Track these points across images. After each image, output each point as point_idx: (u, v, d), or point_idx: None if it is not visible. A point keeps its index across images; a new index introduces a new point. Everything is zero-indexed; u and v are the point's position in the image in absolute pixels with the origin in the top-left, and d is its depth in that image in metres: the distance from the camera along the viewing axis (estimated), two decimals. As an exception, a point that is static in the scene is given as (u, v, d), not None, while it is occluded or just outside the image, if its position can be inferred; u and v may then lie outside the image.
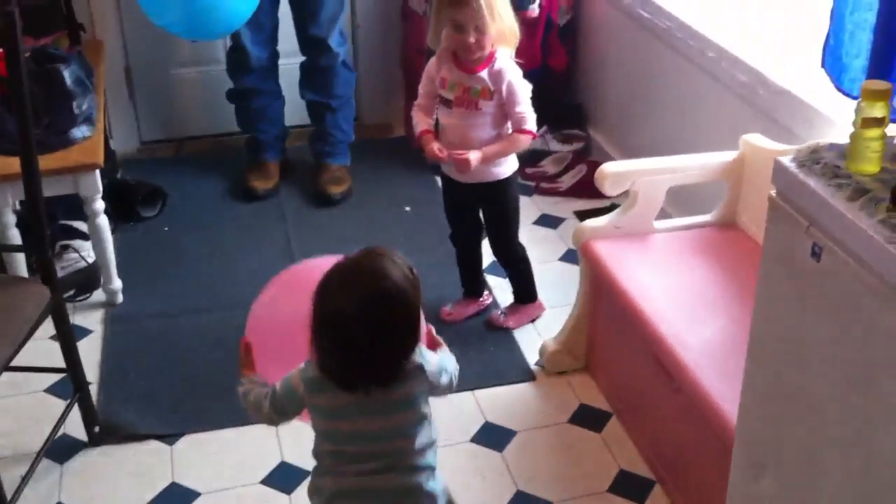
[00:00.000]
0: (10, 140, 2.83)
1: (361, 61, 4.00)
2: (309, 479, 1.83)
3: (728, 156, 2.52)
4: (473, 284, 2.96)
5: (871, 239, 1.29)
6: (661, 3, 3.11)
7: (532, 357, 2.77)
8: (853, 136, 1.41)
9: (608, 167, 2.49)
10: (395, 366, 1.66)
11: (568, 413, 2.58)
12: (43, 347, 2.71)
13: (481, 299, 2.97)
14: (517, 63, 2.61)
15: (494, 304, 2.98)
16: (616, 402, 2.57)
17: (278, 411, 1.76)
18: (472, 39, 2.49)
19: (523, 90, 2.58)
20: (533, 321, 2.92)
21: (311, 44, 3.46)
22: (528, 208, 3.54)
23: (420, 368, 1.69)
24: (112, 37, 3.73)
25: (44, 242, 2.24)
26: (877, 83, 1.39)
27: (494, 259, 2.94)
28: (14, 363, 2.47)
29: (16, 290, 2.22)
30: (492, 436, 2.51)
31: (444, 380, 1.76)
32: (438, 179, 3.63)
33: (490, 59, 2.55)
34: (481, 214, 2.82)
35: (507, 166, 2.69)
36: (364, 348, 1.61)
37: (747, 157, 2.50)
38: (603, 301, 2.57)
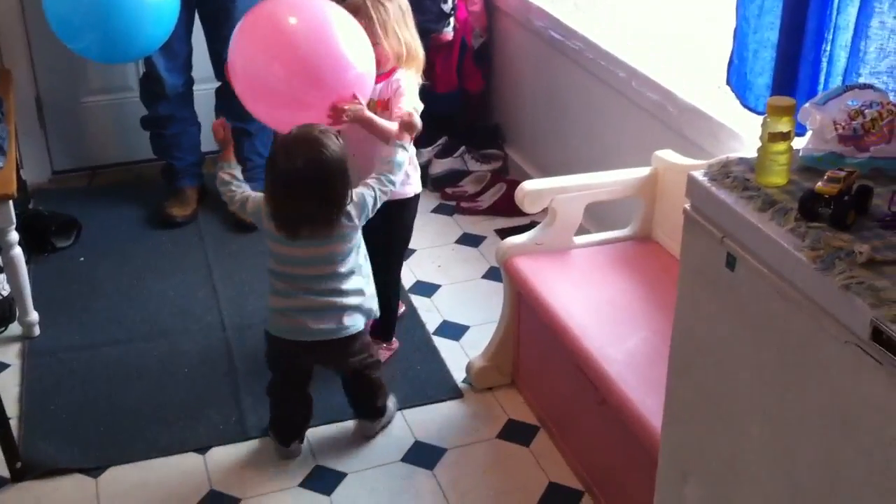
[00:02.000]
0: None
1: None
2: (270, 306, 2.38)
3: (641, 172, 2.59)
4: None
5: (782, 247, 1.35)
6: (573, 25, 3.19)
7: (459, 374, 2.80)
8: (760, 151, 1.48)
9: (527, 185, 2.54)
10: (332, 219, 2.21)
11: (496, 428, 2.62)
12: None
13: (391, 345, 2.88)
14: (424, 84, 2.62)
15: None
16: (543, 416, 2.61)
17: (250, 216, 2.39)
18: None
19: (409, 99, 2.54)
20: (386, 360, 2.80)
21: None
22: (450, 227, 3.59)
23: (347, 215, 2.24)
24: (21, 66, 3.67)
25: (-41, 277, 2.19)
26: (782, 100, 1.45)
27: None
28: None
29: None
30: (422, 454, 2.53)
31: (369, 202, 2.32)
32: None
33: (389, 74, 2.56)
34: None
35: (408, 188, 2.63)
36: (305, 204, 2.17)
37: (660, 173, 2.58)
38: (527, 317, 2.62)
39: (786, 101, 1.45)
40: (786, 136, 1.45)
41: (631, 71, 2.88)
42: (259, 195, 2.34)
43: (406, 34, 2.57)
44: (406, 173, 2.53)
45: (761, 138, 1.47)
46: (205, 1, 3.29)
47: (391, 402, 2.62)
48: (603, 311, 2.39)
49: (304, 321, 2.31)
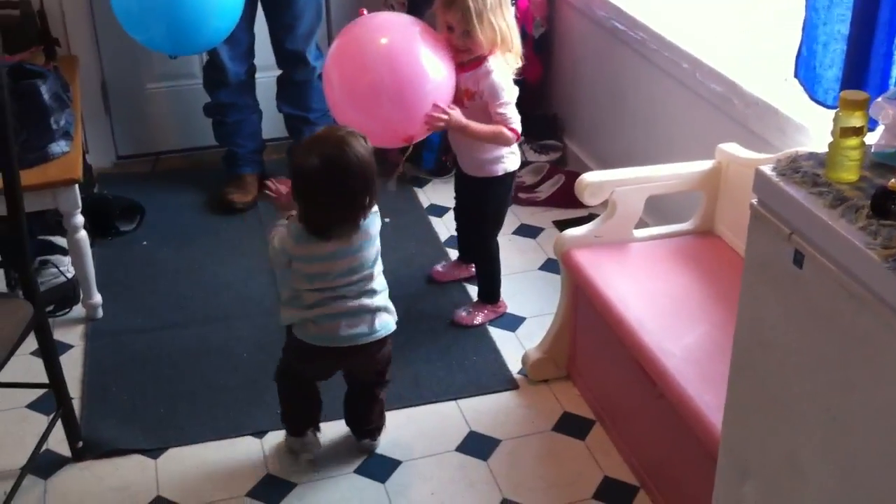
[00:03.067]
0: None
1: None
2: (288, 317, 2.34)
3: (704, 165, 2.56)
4: (465, 252, 3.14)
5: (852, 245, 1.33)
6: (635, 15, 3.16)
7: (514, 366, 2.79)
8: (832, 146, 1.45)
9: (587, 177, 2.52)
10: (357, 218, 2.16)
11: (552, 421, 2.60)
12: (24, 363, 2.71)
13: (471, 266, 3.12)
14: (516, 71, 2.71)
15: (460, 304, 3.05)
16: (599, 409, 2.60)
17: (278, 252, 2.25)
18: (459, 41, 2.59)
19: (506, 92, 2.67)
20: (495, 319, 2.99)
21: (288, 58, 3.47)
22: (508, 218, 3.54)
23: (375, 214, 2.22)
24: (87, 52, 3.73)
25: (25, 258, 2.23)
26: (854, 93, 1.42)
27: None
28: (-4, 380, 2.49)
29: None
30: (477, 445, 2.53)
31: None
32: (417, 192, 3.69)
33: (480, 62, 2.64)
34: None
35: (498, 166, 2.78)
36: (331, 201, 2.12)
37: (723, 167, 2.54)
38: (584, 309, 2.60)
39: (859, 94, 1.42)
40: (858, 132, 1.42)
41: (695, 62, 2.84)
42: (280, 229, 2.28)
43: (502, 22, 2.64)
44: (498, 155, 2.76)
45: (833, 133, 1.44)
46: (269, -14, 3.31)
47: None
48: (662, 306, 2.36)
49: (337, 327, 2.26)
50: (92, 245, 3.39)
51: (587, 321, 2.59)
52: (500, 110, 2.66)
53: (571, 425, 2.59)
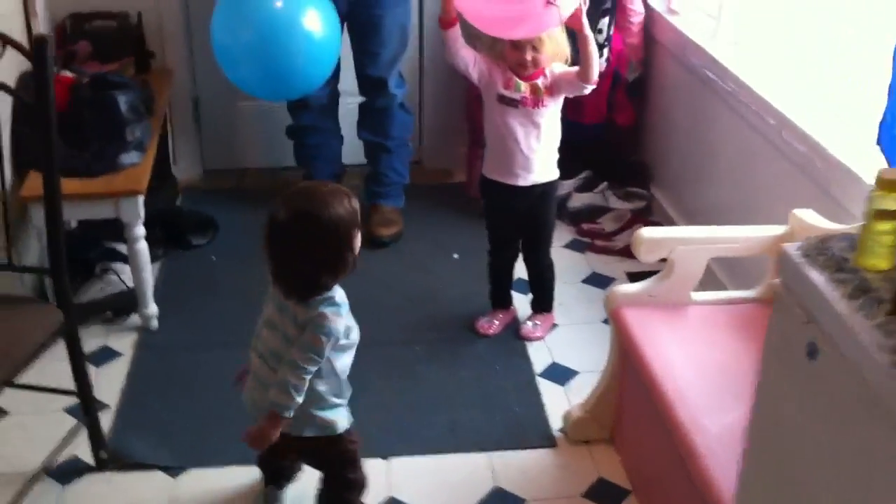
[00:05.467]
0: (60, 162, 2.87)
1: (427, 105, 3.97)
2: None
3: (775, 230, 2.37)
4: (507, 296, 3.07)
5: (862, 344, 1.17)
6: (727, 65, 2.99)
7: (557, 422, 2.65)
8: (863, 229, 1.29)
9: (645, 232, 2.37)
10: (310, 280, 1.96)
11: (584, 486, 2.45)
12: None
13: (512, 308, 3.07)
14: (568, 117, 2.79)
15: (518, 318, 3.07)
16: (636, 479, 2.43)
17: None
18: (528, 57, 2.63)
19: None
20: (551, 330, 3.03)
21: (370, 84, 3.43)
22: (580, 265, 3.44)
23: (324, 312, 1.96)
24: (182, 66, 3.78)
25: (60, 265, 2.23)
26: (893, 171, 1.26)
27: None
28: (34, 382, 2.50)
29: (28, 310, 2.22)
30: (499, 503, 2.40)
31: (315, 346, 1.98)
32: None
33: (542, 71, 2.68)
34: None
35: (553, 172, 2.82)
36: (291, 257, 1.95)
37: (796, 234, 2.35)
38: (631, 371, 2.44)
39: (897, 173, 1.25)
40: (894, 215, 1.25)
41: (781, 119, 2.66)
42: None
43: (561, 35, 2.66)
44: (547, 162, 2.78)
45: (866, 214, 1.28)
46: (354, 13, 3.28)
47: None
48: (708, 378, 2.19)
49: (250, 388, 2.13)
50: (162, 256, 3.44)
51: (633, 384, 2.43)
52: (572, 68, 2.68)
53: (604, 493, 2.43)
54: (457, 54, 2.68)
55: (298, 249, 1.96)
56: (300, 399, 2.01)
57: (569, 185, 3.64)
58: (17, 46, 2.08)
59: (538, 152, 2.75)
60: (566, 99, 2.76)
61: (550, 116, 2.73)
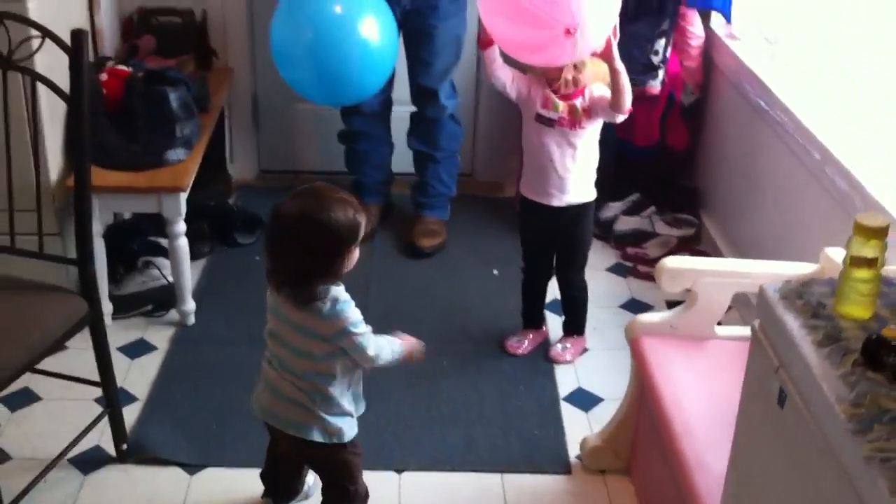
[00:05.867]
0: (110, 154, 2.96)
1: (481, 117, 3.96)
2: None
3: (804, 268, 2.30)
4: (539, 316, 3.05)
5: (824, 394, 1.12)
6: (778, 94, 2.91)
7: (576, 448, 2.62)
8: (841, 276, 1.24)
9: (667, 262, 2.32)
10: (298, 280, 1.97)
11: (595, 515, 2.42)
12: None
13: (544, 329, 3.05)
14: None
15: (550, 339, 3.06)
16: (648, 512, 2.39)
17: None
18: (569, 76, 2.62)
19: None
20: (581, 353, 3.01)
21: (422, 94, 3.44)
22: (620, 289, 3.40)
23: (338, 315, 1.99)
24: (243, 65, 3.84)
25: (87, 256, 2.29)
26: (872, 217, 1.21)
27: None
28: (63, 371, 2.57)
29: (51, 299, 2.28)
30: (507, 527, 2.38)
31: (358, 340, 2.02)
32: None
33: (582, 91, 2.66)
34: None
35: (592, 192, 2.79)
36: (285, 253, 1.98)
37: (825, 272, 2.27)
38: (649, 402, 2.39)
39: (877, 220, 1.21)
40: (871, 263, 1.21)
41: (825, 153, 2.58)
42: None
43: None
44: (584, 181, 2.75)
45: (844, 260, 1.23)
46: (408, 22, 3.29)
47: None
48: (720, 414, 2.12)
49: (263, 395, 2.17)
50: (209, 252, 3.50)
51: (648, 415, 2.39)
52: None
53: (615, 524, 2.39)
54: (493, 73, 2.68)
55: (293, 247, 1.98)
56: (391, 355, 2.11)
57: (616, 207, 3.59)
58: (55, 39, 2.14)
59: (573, 173, 2.72)
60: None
61: (588, 137, 2.70)
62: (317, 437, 2.12)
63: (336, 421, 2.12)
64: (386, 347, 2.10)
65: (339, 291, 2.02)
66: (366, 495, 2.26)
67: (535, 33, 2.39)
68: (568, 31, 2.35)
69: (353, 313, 2.02)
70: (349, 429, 2.16)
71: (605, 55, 2.51)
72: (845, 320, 1.22)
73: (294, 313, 2.03)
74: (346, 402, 2.13)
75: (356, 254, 2.03)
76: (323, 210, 1.95)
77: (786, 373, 1.23)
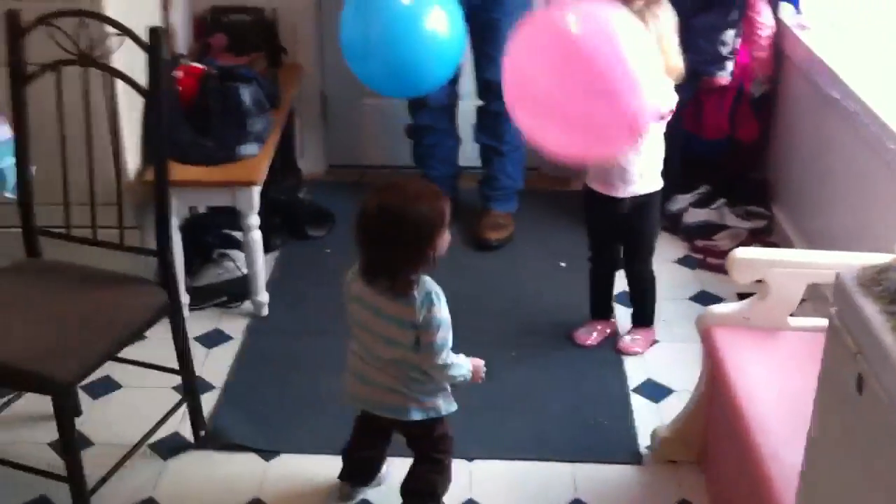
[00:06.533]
0: (184, 150, 3.04)
1: (549, 111, 3.96)
2: None
3: (878, 259, 2.27)
4: (607, 307, 3.05)
5: (903, 380, 1.12)
6: (851, 85, 2.88)
7: (646, 440, 2.62)
8: (920, 260, 1.24)
9: (738, 253, 2.32)
10: (391, 271, 2.03)
11: (665, 507, 2.42)
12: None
13: (612, 320, 3.06)
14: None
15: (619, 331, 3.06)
16: (718, 503, 2.38)
17: None
18: None
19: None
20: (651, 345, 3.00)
21: (487, 87, 3.46)
22: (690, 281, 3.38)
23: (430, 306, 2.04)
24: (312, 62, 3.90)
25: (167, 249, 2.36)
26: (954, 204, 1.21)
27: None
28: (142, 359, 2.65)
29: (133, 290, 2.35)
30: (576, 515, 2.40)
31: (437, 340, 2.07)
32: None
33: None
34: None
35: (657, 182, 2.77)
36: (374, 247, 2.04)
37: (901, 263, 2.25)
38: (721, 394, 2.39)
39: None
40: (952, 247, 1.20)
41: (901, 143, 2.55)
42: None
43: (675, 52, 2.57)
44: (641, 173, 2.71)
45: (922, 245, 1.23)
46: (474, 15, 3.30)
47: None
48: (795, 407, 2.09)
49: (352, 384, 2.26)
50: (280, 245, 3.57)
51: (719, 406, 2.38)
52: None
53: (685, 515, 2.39)
54: None
55: (382, 241, 2.03)
56: (460, 371, 2.15)
57: (685, 199, 3.58)
58: (133, 37, 2.21)
59: (637, 164, 2.71)
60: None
61: (652, 128, 2.68)
62: (415, 416, 2.19)
63: (430, 398, 2.19)
64: (460, 365, 2.16)
65: (431, 284, 2.08)
66: (450, 474, 2.34)
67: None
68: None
69: (444, 311, 2.08)
70: (445, 402, 2.23)
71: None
72: (927, 307, 1.22)
73: (388, 304, 2.08)
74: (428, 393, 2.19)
75: (446, 239, 2.08)
76: (405, 204, 2.01)
77: (864, 359, 1.23)
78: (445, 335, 2.09)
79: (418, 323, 2.06)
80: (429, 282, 2.09)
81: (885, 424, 1.17)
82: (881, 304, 1.24)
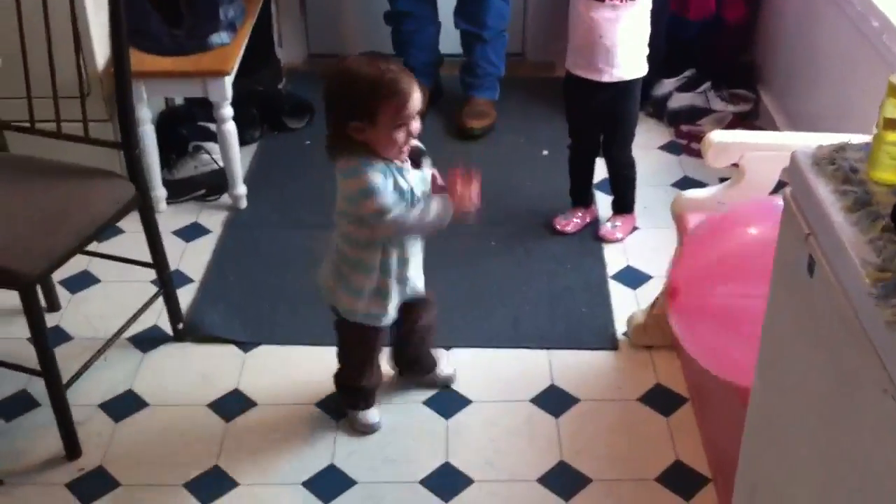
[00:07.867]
0: (152, 39, 2.96)
1: (532, -5, 3.87)
2: None
3: (856, 139, 2.23)
4: (587, 194, 3.03)
5: (850, 259, 1.10)
6: (837, -41, 2.79)
7: (623, 325, 2.63)
8: (874, 139, 1.20)
9: (713, 136, 2.27)
10: (333, 134, 1.99)
11: (640, 391, 2.43)
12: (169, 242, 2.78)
13: (593, 207, 3.04)
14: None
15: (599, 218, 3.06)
16: (693, 388, 2.40)
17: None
18: None
19: None
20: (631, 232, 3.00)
21: (467, -29, 3.37)
22: (672, 167, 3.35)
23: (359, 174, 1.96)
24: (289, -53, 3.78)
25: (130, 140, 2.31)
26: (908, 78, 1.16)
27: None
28: (120, 254, 2.63)
29: (100, 183, 2.31)
30: (553, 400, 2.41)
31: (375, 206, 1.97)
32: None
33: None
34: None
35: (642, 68, 2.74)
36: (327, 114, 2.01)
37: (879, 144, 2.21)
38: (695, 279, 2.38)
39: (913, 79, 1.16)
40: (904, 125, 1.16)
41: (884, 21, 2.47)
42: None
43: None
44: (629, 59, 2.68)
45: (877, 124, 1.19)
46: None
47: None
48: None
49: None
50: (259, 138, 3.52)
51: (695, 292, 2.37)
52: None
53: (660, 399, 2.41)
54: None
55: (328, 105, 2.00)
56: (422, 215, 2.03)
57: (670, 84, 3.51)
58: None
59: (623, 47, 2.65)
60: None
61: (639, 11, 2.62)
62: (340, 307, 2.17)
63: (348, 296, 2.14)
64: (403, 224, 2.02)
65: (370, 174, 1.97)
66: (360, 391, 2.31)
67: None
68: None
69: (376, 177, 1.96)
70: (363, 313, 2.15)
71: None
72: (877, 185, 1.19)
73: (338, 176, 2.03)
74: (367, 281, 2.11)
75: (402, 132, 1.96)
76: (351, 66, 1.94)
77: (815, 240, 1.20)
78: (389, 200, 1.97)
79: (351, 195, 2.02)
80: (369, 171, 1.96)
81: (833, 306, 1.15)
82: (834, 184, 1.21)
